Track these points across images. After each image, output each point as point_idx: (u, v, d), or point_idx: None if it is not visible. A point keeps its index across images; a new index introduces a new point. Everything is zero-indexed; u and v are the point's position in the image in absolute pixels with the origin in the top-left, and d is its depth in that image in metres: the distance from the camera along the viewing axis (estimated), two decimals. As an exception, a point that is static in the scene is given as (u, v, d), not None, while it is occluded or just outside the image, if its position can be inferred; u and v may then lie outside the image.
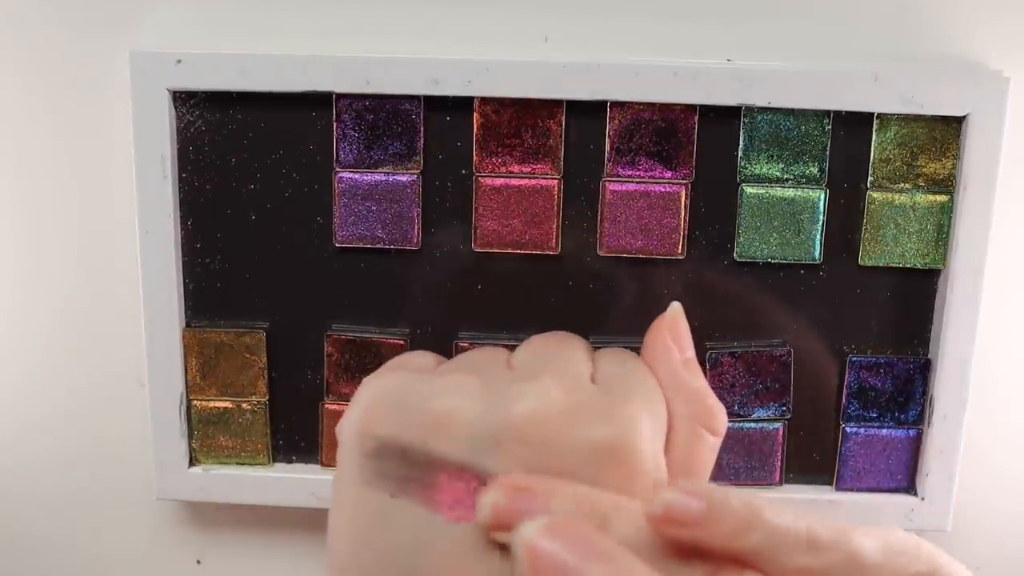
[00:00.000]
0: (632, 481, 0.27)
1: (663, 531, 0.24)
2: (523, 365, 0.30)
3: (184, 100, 0.37)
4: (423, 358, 0.32)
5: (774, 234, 0.38)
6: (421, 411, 0.27)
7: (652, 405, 0.29)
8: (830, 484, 0.40)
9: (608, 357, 0.31)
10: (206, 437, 0.40)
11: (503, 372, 0.30)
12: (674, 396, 0.30)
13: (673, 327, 0.32)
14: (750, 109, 0.36)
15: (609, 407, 0.28)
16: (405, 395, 0.28)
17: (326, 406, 0.40)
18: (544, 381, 0.28)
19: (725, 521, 0.24)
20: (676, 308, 0.33)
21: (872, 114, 0.36)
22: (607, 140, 0.37)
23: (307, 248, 0.39)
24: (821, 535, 0.24)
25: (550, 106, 0.36)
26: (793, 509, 0.25)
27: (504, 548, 0.25)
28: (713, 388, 0.38)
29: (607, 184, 0.37)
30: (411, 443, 0.27)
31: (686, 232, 0.38)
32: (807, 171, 0.37)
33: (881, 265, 0.38)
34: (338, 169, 0.37)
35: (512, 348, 0.38)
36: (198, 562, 0.44)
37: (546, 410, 0.27)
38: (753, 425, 0.39)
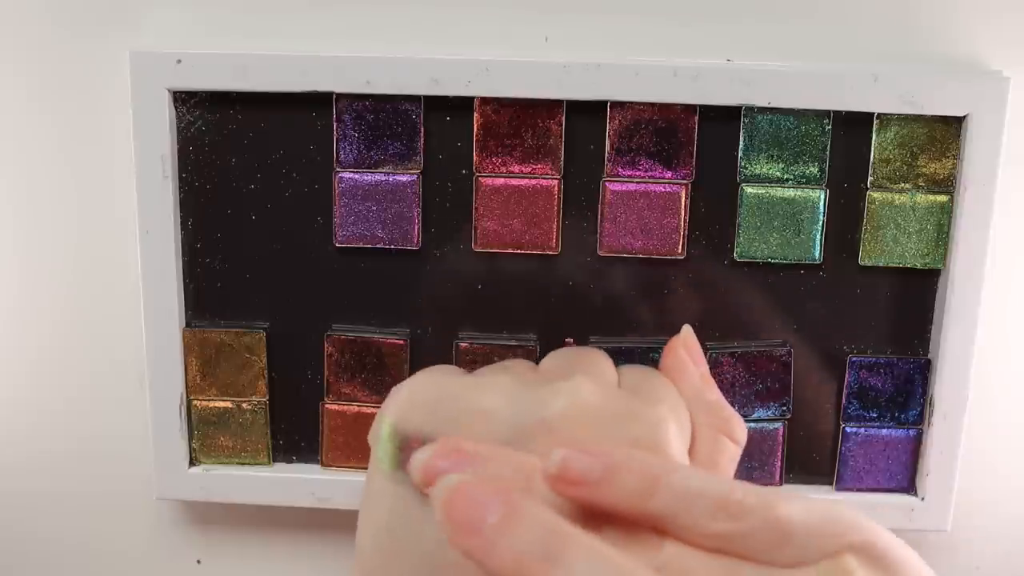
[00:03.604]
0: None
1: (559, 491, 0.24)
2: (551, 369, 0.31)
3: (184, 100, 0.37)
4: (453, 367, 0.33)
5: (774, 234, 0.38)
6: (455, 409, 0.28)
7: (677, 410, 0.30)
8: (830, 484, 0.40)
9: (632, 369, 0.32)
10: (206, 437, 0.40)
11: (532, 374, 0.31)
12: (695, 408, 0.31)
13: (687, 345, 0.33)
14: (750, 109, 0.36)
15: (639, 408, 0.28)
16: (439, 394, 0.28)
17: (326, 406, 0.40)
18: (576, 380, 0.28)
19: (623, 482, 0.23)
20: (688, 329, 0.34)
21: (872, 114, 0.36)
22: (607, 140, 0.37)
23: (307, 248, 0.39)
24: (739, 499, 0.23)
25: (550, 106, 0.36)
26: (717, 475, 0.25)
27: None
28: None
29: (607, 184, 0.37)
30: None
31: (686, 232, 0.38)
32: (807, 171, 0.37)
33: (881, 265, 0.38)
34: (338, 169, 0.37)
35: (513, 348, 0.38)
36: (198, 562, 0.44)
37: (579, 407, 0.27)
38: (753, 425, 0.39)
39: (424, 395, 0.29)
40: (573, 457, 0.24)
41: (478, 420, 0.27)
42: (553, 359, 0.32)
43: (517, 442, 0.27)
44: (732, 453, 0.31)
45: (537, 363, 0.32)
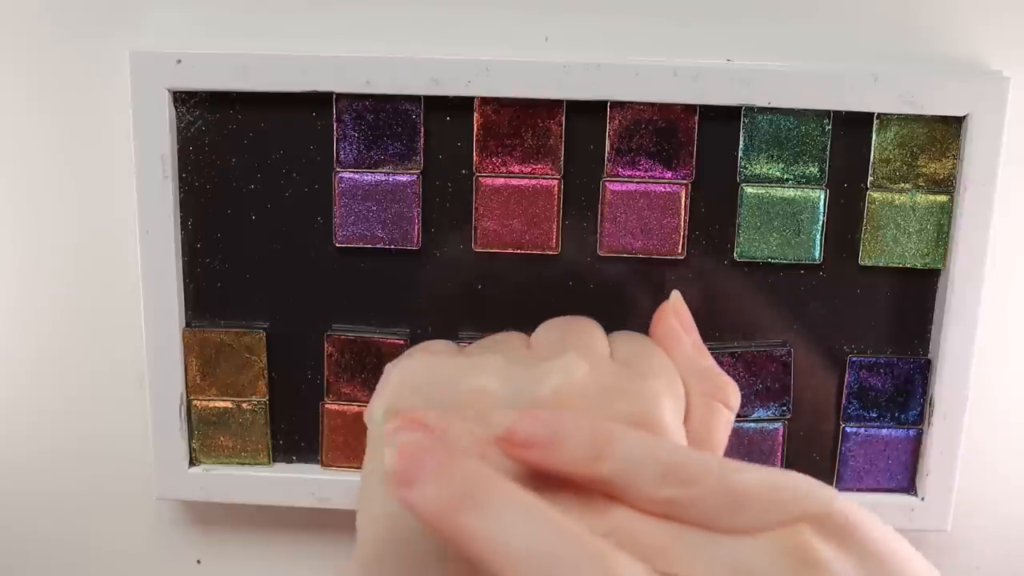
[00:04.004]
0: None
1: (509, 453, 0.24)
2: (543, 345, 0.31)
3: (184, 100, 0.37)
4: (444, 344, 0.32)
5: (774, 234, 0.38)
6: (449, 391, 0.28)
7: (671, 381, 0.30)
8: (830, 484, 0.40)
9: (623, 337, 0.32)
10: (206, 437, 0.40)
11: (524, 352, 0.30)
12: (688, 376, 0.31)
13: (678, 313, 0.33)
14: (750, 109, 0.36)
15: (632, 383, 0.28)
16: (431, 377, 0.28)
17: (326, 406, 0.40)
18: (568, 357, 0.28)
19: (570, 446, 0.23)
20: (676, 295, 0.34)
21: (872, 114, 0.36)
22: (607, 140, 0.37)
23: (307, 248, 0.39)
24: (689, 466, 0.23)
25: (550, 106, 0.36)
26: (668, 441, 0.25)
27: None
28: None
29: (607, 184, 0.37)
30: (439, 421, 0.27)
31: (686, 232, 0.38)
32: (807, 171, 0.37)
33: (881, 265, 0.38)
34: (338, 169, 0.37)
35: None
36: (198, 562, 0.44)
37: (572, 386, 0.27)
38: (753, 425, 0.39)
39: (416, 378, 0.29)
40: (522, 422, 0.24)
41: (471, 402, 0.27)
42: (545, 331, 0.32)
43: None
44: (727, 418, 0.31)
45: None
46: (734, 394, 0.32)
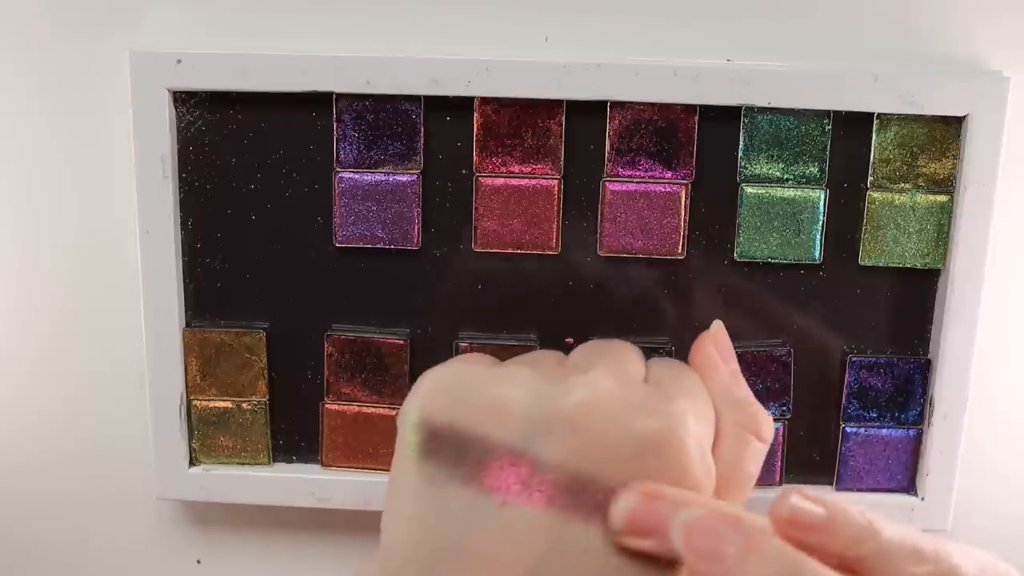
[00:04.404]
0: (678, 475, 0.27)
1: (787, 533, 0.25)
2: (576, 363, 0.31)
3: (184, 100, 0.37)
4: (481, 356, 0.33)
5: (774, 234, 0.38)
6: (477, 398, 0.28)
7: (699, 405, 0.30)
8: (830, 484, 0.40)
9: (660, 362, 0.33)
10: (206, 437, 0.40)
11: (557, 368, 0.31)
12: (722, 405, 0.32)
13: (717, 342, 0.34)
14: (750, 109, 0.36)
15: (657, 402, 0.29)
16: (462, 383, 0.29)
17: (326, 406, 0.40)
18: (595, 373, 0.29)
19: (847, 528, 0.25)
20: (718, 325, 0.35)
21: (872, 114, 0.36)
22: (607, 140, 0.37)
23: (307, 248, 0.39)
24: (924, 547, 0.25)
25: (550, 106, 0.36)
26: (894, 522, 0.26)
27: (630, 554, 0.27)
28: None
29: (607, 184, 0.37)
30: (466, 428, 0.28)
31: (686, 232, 0.38)
32: (807, 171, 0.37)
33: (881, 265, 0.38)
34: (338, 169, 0.37)
35: (513, 348, 0.39)
36: (198, 562, 0.44)
37: (596, 400, 0.28)
38: (753, 425, 0.39)
39: (445, 384, 0.29)
40: (804, 504, 0.25)
41: (498, 411, 0.28)
42: (581, 352, 0.32)
43: (536, 434, 0.28)
44: (757, 450, 0.32)
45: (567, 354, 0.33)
46: (767, 425, 0.32)
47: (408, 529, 0.28)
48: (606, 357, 0.31)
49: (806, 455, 0.40)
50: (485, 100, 0.36)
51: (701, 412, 0.30)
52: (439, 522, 0.28)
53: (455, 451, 0.28)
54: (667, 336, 0.39)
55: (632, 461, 0.27)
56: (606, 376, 0.29)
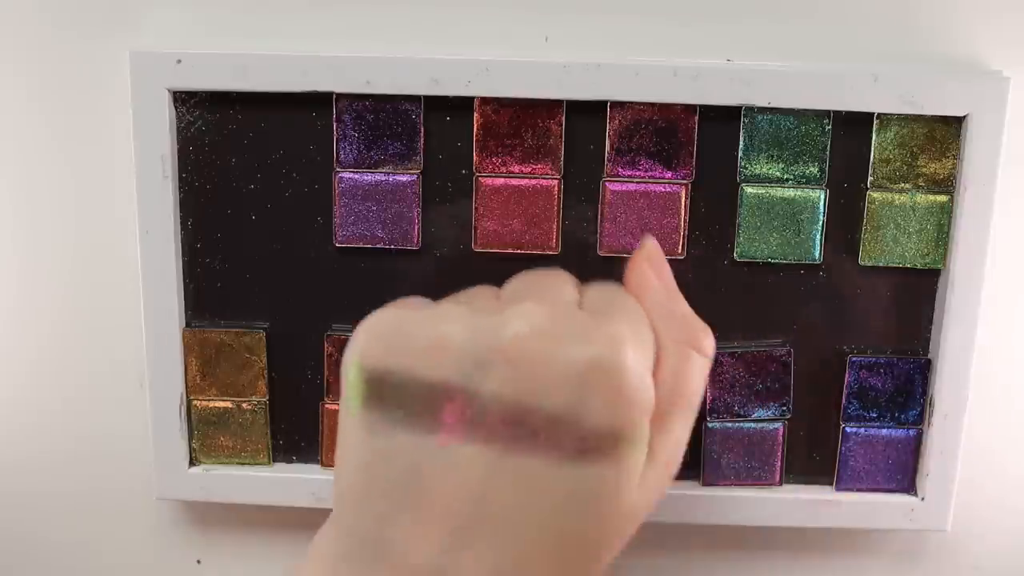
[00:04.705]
0: (618, 399, 0.27)
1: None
2: (510, 295, 0.31)
3: (184, 100, 0.37)
4: (417, 299, 0.33)
5: (774, 234, 0.38)
6: (413, 340, 0.28)
7: (637, 326, 0.30)
8: (830, 484, 0.40)
9: (594, 287, 0.32)
10: (206, 437, 0.40)
11: (492, 302, 0.31)
12: (660, 323, 0.31)
13: (651, 259, 0.33)
14: (750, 109, 0.36)
15: (593, 328, 0.28)
16: (398, 328, 0.29)
17: (326, 406, 0.40)
18: (529, 305, 0.29)
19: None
20: (651, 241, 0.34)
21: (872, 114, 0.36)
22: (607, 140, 0.37)
23: (307, 248, 0.39)
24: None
25: (550, 106, 0.36)
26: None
27: None
28: (713, 388, 0.39)
29: (607, 184, 0.37)
30: (404, 372, 0.28)
31: (686, 232, 0.38)
32: (807, 171, 0.37)
33: (881, 265, 0.38)
34: (338, 169, 0.37)
35: None
36: (198, 562, 0.44)
37: (530, 331, 0.28)
38: (753, 425, 0.39)
39: (381, 330, 0.29)
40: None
41: (435, 351, 0.28)
42: (515, 283, 0.32)
43: (475, 369, 0.28)
44: (699, 365, 0.31)
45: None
46: (708, 340, 0.31)
47: (356, 479, 0.28)
48: (540, 286, 0.31)
49: (806, 455, 0.40)
50: (485, 100, 0.36)
51: (638, 333, 0.29)
52: (386, 469, 0.28)
53: (396, 396, 0.28)
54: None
55: (572, 389, 0.27)
56: (541, 305, 0.29)
